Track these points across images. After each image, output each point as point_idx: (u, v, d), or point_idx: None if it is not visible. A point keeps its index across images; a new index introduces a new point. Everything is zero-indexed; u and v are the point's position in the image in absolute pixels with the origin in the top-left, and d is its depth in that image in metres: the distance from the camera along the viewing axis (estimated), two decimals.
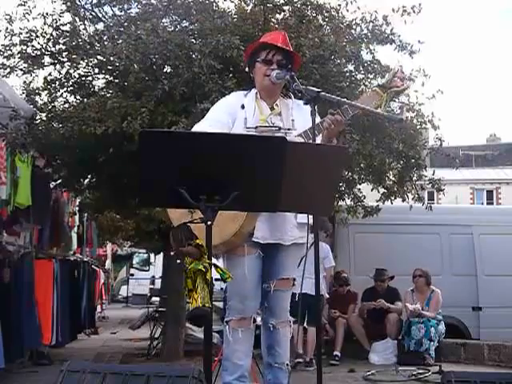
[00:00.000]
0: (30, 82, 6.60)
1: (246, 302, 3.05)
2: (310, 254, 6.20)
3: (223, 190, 2.44)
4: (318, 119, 3.08)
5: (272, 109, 3.22)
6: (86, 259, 11.13)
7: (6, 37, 6.33)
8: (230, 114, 3.16)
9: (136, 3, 6.54)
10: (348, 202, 7.83)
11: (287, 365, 3.15)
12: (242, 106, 3.19)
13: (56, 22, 6.37)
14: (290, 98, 3.26)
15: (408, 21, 6.14)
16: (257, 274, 3.07)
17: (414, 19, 6.15)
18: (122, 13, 6.54)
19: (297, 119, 3.14)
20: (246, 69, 3.42)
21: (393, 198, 7.35)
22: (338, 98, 3.21)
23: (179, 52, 5.64)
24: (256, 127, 3.10)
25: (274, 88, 3.20)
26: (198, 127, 3.16)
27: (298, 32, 5.75)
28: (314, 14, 6.28)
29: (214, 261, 2.53)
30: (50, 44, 6.38)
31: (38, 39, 6.36)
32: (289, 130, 3.11)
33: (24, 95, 6.60)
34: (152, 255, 19.79)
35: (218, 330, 6.73)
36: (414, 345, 6.92)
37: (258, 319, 3.20)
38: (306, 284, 7.35)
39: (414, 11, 6.12)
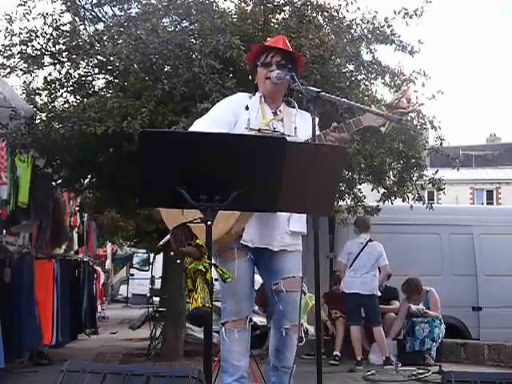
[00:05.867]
0: (30, 82, 6.62)
1: (241, 304, 3.05)
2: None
3: (223, 190, 2.43)
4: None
5: (275, 114, 3.22)
6: (86, 259, 11.13)
7: (6, 37, 6.34)
8: (234, 114, 3.15)
9: (136, 3, 6.54)
10: (348, 201, 7.84)
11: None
12: (247, 107, 3.18)
13: (56, 22, 6.38)
14: (294, 107, 3.25)
15: (410, 23, 6.15)
16: (248, 277, 3.07)
17: (416, 22, 6.16)
18: (122, 13, 6.53)
19: (300, 127, 3.13)
20: (250, 76, 3.42)
21: (393, 198, 7.35)
22: (338, 98, 3.21)
23: (179, 52, 5.65)
24: (259, 129, 3.10)
25: (275, 89, 3.19)
26: (199, 124, 3.14)
27: (298, 32, 5.75)
28: (314, 14, 6.28)
29: (213, 261, 2.52)
30: (50, 44, 6.38)
31: (38, 39, 6.36)
32: (289, 136, 3.10)
33: (24, 95, 6.60)
34: (152, 255, 19.79)
35: (218, 330, 6.73)
36: (418, 344, 6.93)
37: (255, 319, 3.19)
38: (355, 283, 7.52)
39: (416, 14, 6.11)
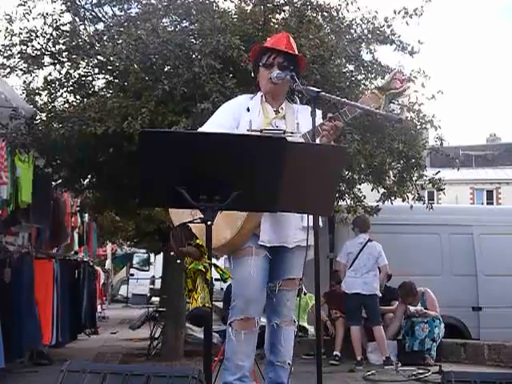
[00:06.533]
0: (30, 82, 6.61)
1: (251, 304, 3.03)
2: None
3: (223, 190, 2.44)
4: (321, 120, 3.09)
5: (277, 112, 3.24)
6: (86, 259, 11.13)
7: (6, 37, 6.34)
8: (235, 118, 3.18)
9: (136, 3, 6.53)
10: (348, 201, 7.84)
11: (289, 364, 3.14)
12: (248, 109, 3.21)
13: (56, 22, 6.37)
14: (296, 102, 3.27)
15: (410, 23, 6.16)
16: (262, 276, 3.06)
17: (416, 21, 6.16)
18: (122, 13, 6.53)
19: (302, 123, 3.13)
20: (253, 74, 3.43)
21: (393, 198, 7.35)
22: (338, 98, 3.22)
23: (179, 52, 5.65)
24: (261, 131, 3.11)
25: (276, 89, 3.21)
26: (202, 130, 3.18)
27: (298, 32, 5.74)
28: (314, 14, 6.28)
29: (213, 261, 2.53)
30: (50, 44, 6.38)
31: (38, 39, 6.36)
32: (292, 133, 3.12)
33: (24, 95, 6.60)
34: (152, 255, 19.81)
35: (218, 330, 6.73)
36: (418, 345, 6.93)
37: (261, 319, 3.19)
38: (356, 283, 7.52)
39: (416, 14, 6.12)
